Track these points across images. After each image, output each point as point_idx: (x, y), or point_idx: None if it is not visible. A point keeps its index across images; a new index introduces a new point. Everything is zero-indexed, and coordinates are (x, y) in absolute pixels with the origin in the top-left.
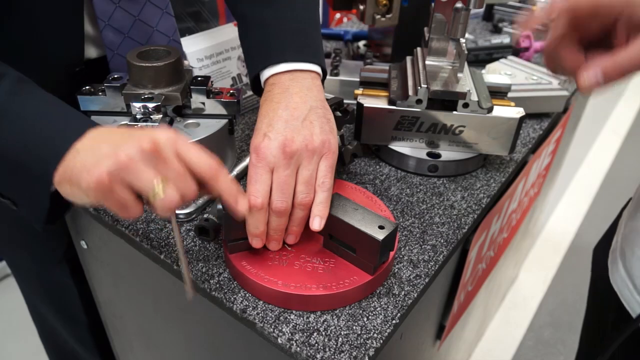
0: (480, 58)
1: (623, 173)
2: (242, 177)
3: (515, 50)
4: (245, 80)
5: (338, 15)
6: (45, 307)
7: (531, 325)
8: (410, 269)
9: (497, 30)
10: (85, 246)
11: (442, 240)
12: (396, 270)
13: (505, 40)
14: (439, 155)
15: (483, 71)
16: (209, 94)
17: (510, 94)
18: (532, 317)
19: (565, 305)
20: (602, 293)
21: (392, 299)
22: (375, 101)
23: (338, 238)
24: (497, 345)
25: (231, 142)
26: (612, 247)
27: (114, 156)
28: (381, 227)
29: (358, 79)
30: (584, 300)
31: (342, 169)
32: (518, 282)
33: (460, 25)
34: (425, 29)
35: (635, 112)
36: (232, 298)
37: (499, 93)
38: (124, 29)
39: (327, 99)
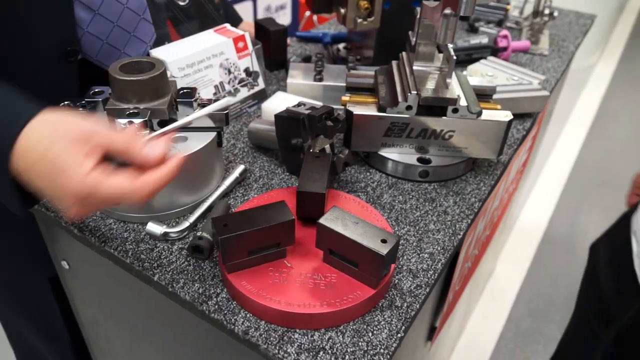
0: (460, 59)
1: (589, 162)
2: (231, 190)
3: (493, 50)
4: (228, 88)
5: (307, 13)
6: (25, 325)
7: (510, 317)
8: (410, 279)
9: (473, 30)
10: (66, 266)
11: (439, 248)
12: (396, 281)
13: (484, 40)
14: (429, 161)
15: (464, 72)
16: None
17: (493, 96)
18: (510, 308)
19: (541, 295)
20: (607, 288)
21: (395, 311)
22: (365, 108)
23: (339, 253)
24: (478, 338)
25: (219, 155)
26: (635, 252)
27: (75, 197)
28: (383, 241)
29: (342, 84)
30: (559, 289)
31: (334, 178)
32: (495, 275)
33: (449, 31)
34: (411, 33)
35: (598, 103)
36: (233, 319)
37: (484, 96)
38: (93, 5)
39: (316, 108)
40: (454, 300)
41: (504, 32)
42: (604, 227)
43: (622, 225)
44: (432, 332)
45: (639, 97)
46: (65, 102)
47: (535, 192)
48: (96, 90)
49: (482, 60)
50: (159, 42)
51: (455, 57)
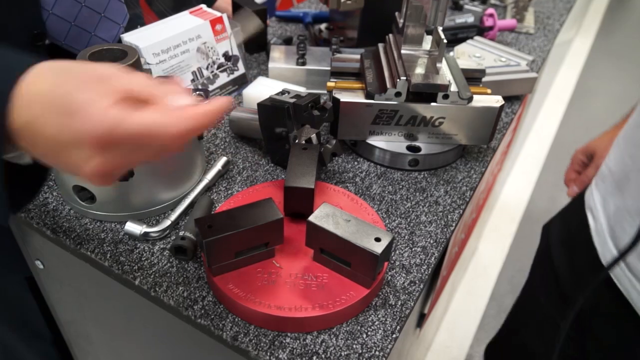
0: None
1: (567, 139)
2: (214, 184)
3: (479, 29)
4: (207, 73)
5: None
6: (4, 325)
7: (493, 294)
8: (404, 275)
9: (457, 8)
10: (41, 266)
11: (431, 241)
12: (389, 277)
13: (470, 19)
14: (419, 149)
15: (451, 53)
16: None
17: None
18: (493, 286)
19: (523, 272)
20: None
21: (389, 310)
22: (352, 95)
23: (330, 252)
24: (462, 317)
25: (200, 147)
26: (593, 228)
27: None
28: (377, 240)
29: (326, 68)
30: None
31: (322, 169)
32: (478, 253)
33: (440, 13)
34: (397, 14)
35: (576, 78)
36: (221, 325)
37: (473, 79)
38: None
39: (301, 96)
40: (441, 286)
41: (490, 10)
42: None
43: (575, 205)
44: (421, 319)
45: (616, 72)
46: None
47: (516, 170)
48: None
49: (469, 41)
50: (131, 24)
51: (445, 41)
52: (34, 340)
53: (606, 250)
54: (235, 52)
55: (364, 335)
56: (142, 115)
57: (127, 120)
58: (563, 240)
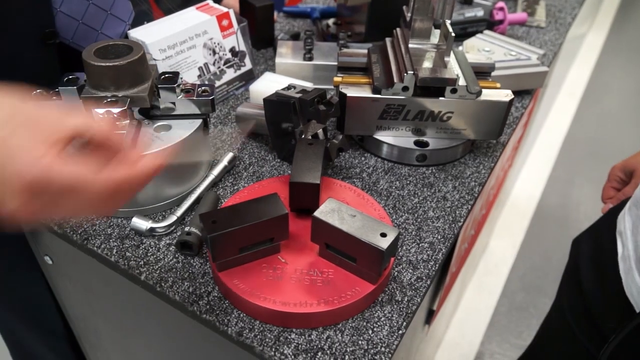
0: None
1: (580, 135)
2: (220, 180)
3: (489, 23)
4: (213, 69)
5: None
6: (17, 321)
7: (504, 291)
8: (410, 271)
9: (466, 2)
10: (50, 262)
11: (439, 237)
12: (396, 273)
13: (479, 13)
14: (426, 144)
15: (460, 48)
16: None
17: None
18: (504, 283)
19: (534, 269)
20: (584, 285)
21: (395, 306)
22: (358, 90)
23: (336, 247)
24: (472, 314)
25: (206, 143)
26: (620, 254)
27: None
28: (383, 235)
29: (333, 63)
30: (551, 263)
31: (328, 165)
32: (489, 250)
33: (448, 6)
34: (405, 8)
35: (589, 74)
36: (226, 320)
37: (482, 73)
38: None
39: (307, 91)
40: (450, 283)
41: (500, 3)
42: (596, 199)
43: (606, 222)
44: (430, 316)
45: (630, 68)
46: (38, 91)
47: (528, 166)
48: (70, 77)
49: (478, 35)
50: (137, 20)
51: (454, 34)
52: (47, 336)
53: (630, 279)
54: (242, 47)
55: (370, 331)
56: (71, 168)
57: (54, 170)
58: (592, 260)
